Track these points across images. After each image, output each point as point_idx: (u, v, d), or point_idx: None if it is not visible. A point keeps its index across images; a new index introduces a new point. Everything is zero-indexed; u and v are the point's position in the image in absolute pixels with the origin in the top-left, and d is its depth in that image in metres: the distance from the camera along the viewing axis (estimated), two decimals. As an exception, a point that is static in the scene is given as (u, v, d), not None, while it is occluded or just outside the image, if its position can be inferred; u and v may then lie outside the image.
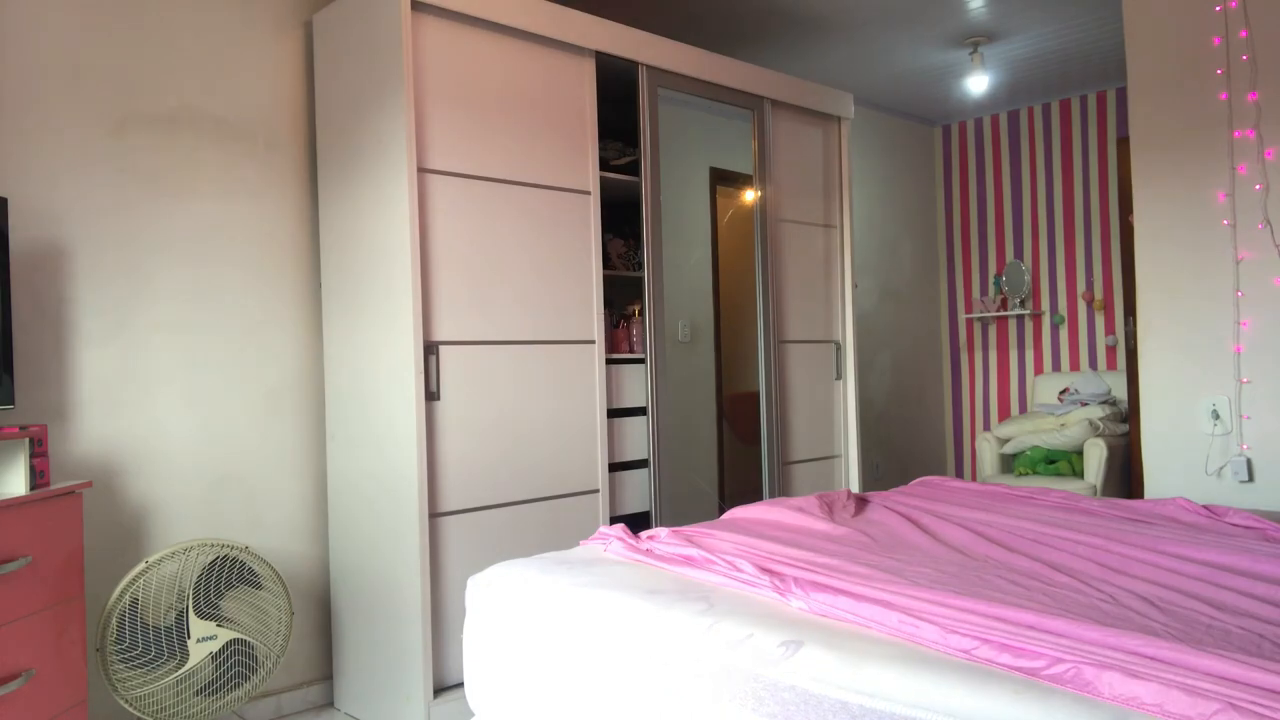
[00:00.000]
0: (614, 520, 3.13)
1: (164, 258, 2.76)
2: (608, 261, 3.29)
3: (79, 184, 2.60)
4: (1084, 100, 5.52)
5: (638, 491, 3.22)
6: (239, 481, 2.89)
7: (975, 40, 4.51)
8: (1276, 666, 1.08)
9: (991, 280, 5.96)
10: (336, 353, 2.96)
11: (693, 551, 1.77)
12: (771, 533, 2.06)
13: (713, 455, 3.83)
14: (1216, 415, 3.01)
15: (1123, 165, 5.23)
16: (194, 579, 2.44)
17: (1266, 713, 0.99)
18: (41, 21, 2.55)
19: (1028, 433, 5.14)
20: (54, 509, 2.17)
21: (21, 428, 2.12)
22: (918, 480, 2.85)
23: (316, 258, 3.06)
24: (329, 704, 3.02)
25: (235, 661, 2.50)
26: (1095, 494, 4.57)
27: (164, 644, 2.40)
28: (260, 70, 2.97)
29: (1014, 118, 5.84)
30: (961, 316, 6.10)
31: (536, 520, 2.90)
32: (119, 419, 2.65)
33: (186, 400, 2.78)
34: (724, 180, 3.88)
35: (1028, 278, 5.74)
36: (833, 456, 3.99)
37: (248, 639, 2.52)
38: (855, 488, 4.00)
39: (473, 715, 1.85)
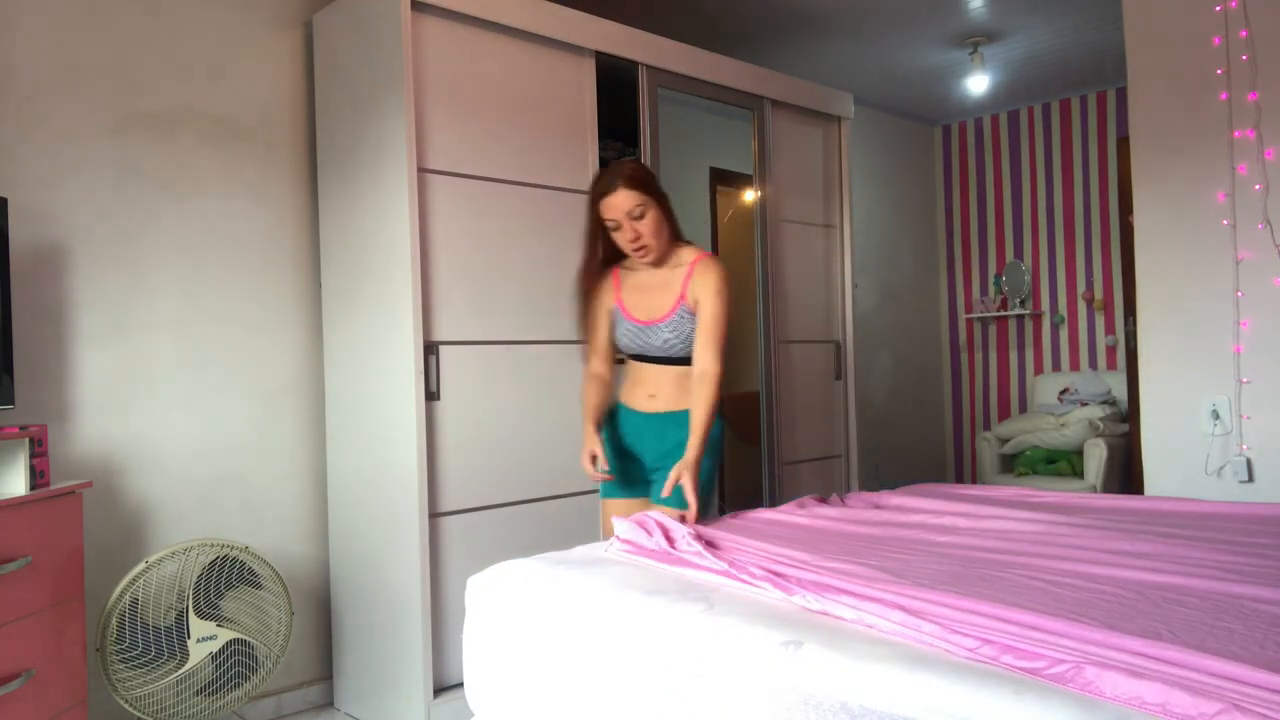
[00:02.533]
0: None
1: (164, 257, 2.75)
2: (608, 261, 3.28)
3: (79, 184, 2.60)
4: (1084, 100, 5.52)
5: (638, 491, 3.21)
6: (239, 481, 2.88)
7: (975, 40, 4.51)
8: None
9: (991, 280, 5.96)
10: (336, 353, 2.96)
11: (710, 563, 1.76)
12: (774, 531, 2.07)
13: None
14: (1216, 415, 3.01)
15: (1123, 165, 5.22)
16: (194, 579, 2.44)
17: (1272, 713, 0.98)
18: (42, 21, 2.55)
19: (1027, 433, 5.14)
20: (54, 509, 2.17)
21: (21, 428, 2.12)
22: (914, 486, 2.84)
23: (316, 258, 3.06)
24: (329, 704, 3.02)
25: (235, 661, 2.50)
26: (1095, 493, 4.57)
27: (164, 644, 2.40)
28: (260, 70, 2.97)
29: (1014, 118, 5.84)
30: (961, 316, 6.09)
31: (536, 520, 2.90)
32: (119, 419, 2.65)
33: (186, 400, 2.78)
34: (724, 180, 3.88)
35: (1028, 278, 5.74)
36: (833, 456, 3.99)
37: (248, 639, 2.52)
38: (855, 488, 4.00)
39: (473, 715, 1.85)
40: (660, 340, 2.40)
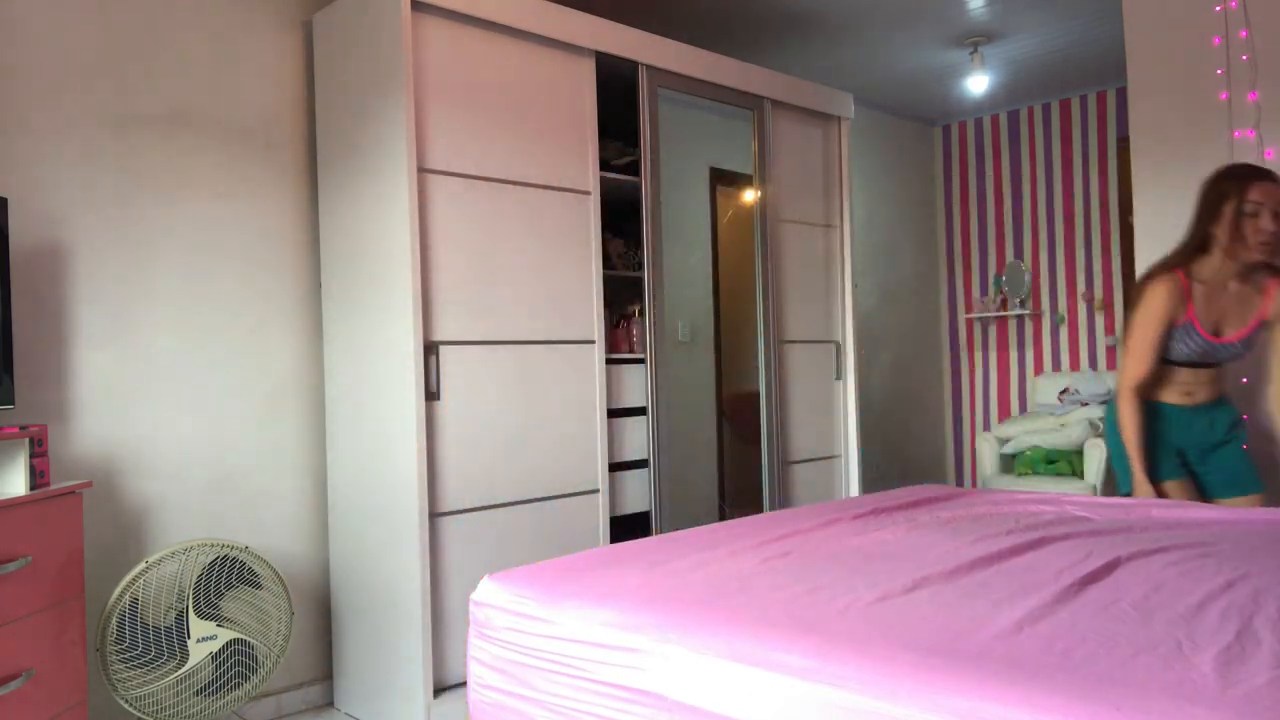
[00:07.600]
0: (614, 520, 3.13)
1: (164, 257, 2.75)
2: (608, 261, 3.29)
3: (79, 184, 2.60)
4: (1084, 100, 5.52)
5: (638, 491, 3.21)
6: (239, 481, 2.88)
7: (975, 40, 4.51)
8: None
9: (991, 280, 5.95)
10: (336, 353, 2.96)
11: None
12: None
13: (713, 455, 3.83)
14: (1217, 415, 3.00)
15: (1123, 165, 5.23)
16: (194, 579, 2.44)
17: None
18: (42, 21, 2.55)
19: (1028, 433, 5.14)
20: (54, 509, 2.17)
21: (21, 428, 2.12)
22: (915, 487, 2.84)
23: (316, 258, 3.06)
24: (329, 704, 3.02)
25: (235, 661, 2.50)
26: (1095, 494, 4.57)
27: (164, 644, 2.40)
28: (260, 70, 2.97)
29: (1014, 118, 5.84)
30: (961, 316, 6.09)
31: (537, 520, 2.90)
32: (119, 419, 2.65)
33: (186, 400, 2.78)
34: (724, 180, 3.88)
35: (1028, 278, 5.74)
36: (833, 456, 3.99)
37: (248, 639, 2.52)
38: (855, 488, 4.01)
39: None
40: (1225, 356, 2.51)
